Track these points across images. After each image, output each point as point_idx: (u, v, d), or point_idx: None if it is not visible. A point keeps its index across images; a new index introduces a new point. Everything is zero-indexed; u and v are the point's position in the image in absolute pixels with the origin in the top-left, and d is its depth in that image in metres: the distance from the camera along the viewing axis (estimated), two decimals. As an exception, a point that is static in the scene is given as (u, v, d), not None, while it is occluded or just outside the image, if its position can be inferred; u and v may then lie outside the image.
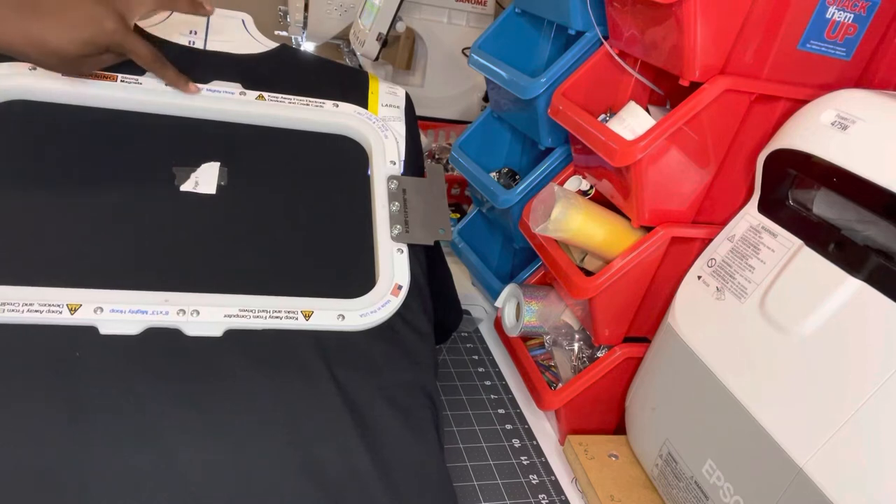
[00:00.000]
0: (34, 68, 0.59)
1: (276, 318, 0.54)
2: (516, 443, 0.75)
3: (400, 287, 0.60)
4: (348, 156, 0.67)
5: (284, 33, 1.64)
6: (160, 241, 0.56)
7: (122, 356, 0.49)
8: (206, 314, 0.53)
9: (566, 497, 0.68)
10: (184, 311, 0.52)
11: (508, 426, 0.77)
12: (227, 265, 0.57)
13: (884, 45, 0.60)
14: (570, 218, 0.67)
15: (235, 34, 0.69)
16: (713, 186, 0.64)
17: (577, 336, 0.78)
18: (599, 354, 0.74)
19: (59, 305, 0.50)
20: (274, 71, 0.68)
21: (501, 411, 0.79)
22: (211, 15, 0.63)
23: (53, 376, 0.47)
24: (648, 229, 0.65)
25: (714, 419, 0.57)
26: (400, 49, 1.92)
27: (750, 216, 0.61)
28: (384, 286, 0.59)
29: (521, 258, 0.92)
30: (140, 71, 0.63)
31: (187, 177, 0.60)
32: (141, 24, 0.66)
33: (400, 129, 0.69)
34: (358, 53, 1.29)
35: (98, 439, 0.46)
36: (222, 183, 0.61)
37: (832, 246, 0.51)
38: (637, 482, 0.69)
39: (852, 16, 0.57)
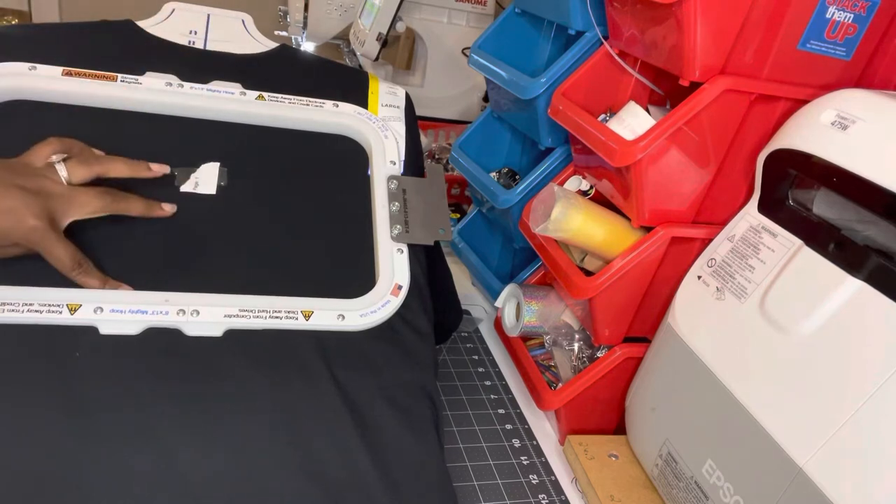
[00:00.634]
0: (34, 68, 0.59)
1: (276, 318, 0.54)
2: (516, 443, 0.75)
3: (400, 287, 0.60)
4: (348, 156, 0.67)
5: (284, 33, 1.65)
6: (160, 241, 0.56)
7: (122, 356, 0.49)
8: (206, 314, 0.53)
9: (566, 497, 0.68)
10: (184, 311, 0.52)
11: (508, 426, 0.77)
12: (227, 265, 0.57)
13: (884, 45, 0.60)
14: (570, 218, 0.67)
15: (235, 34, 0.69)
16: (713, 186, 0.64)
17: (577, 336, 0.78)
18: (599, 354, 0.74)
19: (59, 305, 0.49)
20: (274, 71, 0.68)
21: (501, 411, 0.79)
22: (168, 215, 0.57)
23: (53, 376, 0.47)
24: (648, 229, 0.65)
25: (714, 419, 0.57)
26: (400, 49, 1.92)
27: (750, 216, 0.61)
28: (384, 286, 0.59)
29: (521, 258, 0.92)
30: (140, 71, 0.63)
31: (187, 177, 0.60)
32: (141, 24, 0.66)
33: (400, 129, 0.69)
34: (358, 53, 1.29)
35: (98, 439, 0.46)
36: (222, 183, 0.61)
37: (832, 246, 0.51)
38: (637, 482, 0.69)
39: (852, 16, 0.57)
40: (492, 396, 0.81)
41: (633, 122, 0.64)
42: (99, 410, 0.47)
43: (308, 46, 1.59)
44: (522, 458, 0.73)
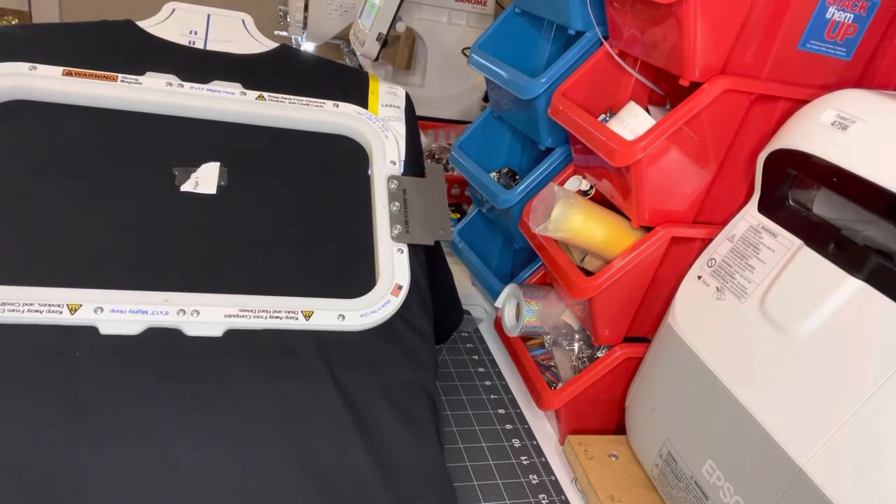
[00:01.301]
0: (34, 68, 0.59)
1: (276, 318, 0.54)
2: (516, 443, 0.75)
3: (400, 287, 0.60)
4: (348, 156, 0.67)
5: (284, 33, 1.65)
6: (160, 241, 0.56)
7: (122, 356, 0.49)
8: (206, 314, 0.53)
9: (566, 497, 0.68)
10: (184, 311, 0.52)
11: (508, 426, 0.77)
12: (227, 265, 0.57)
13: (884, 45, 0.60)
14: (570, 218, 0.67)
15: (235, 34, 0.70)
16: (713, 186, 0.64)
17: (577, 336, 0.78)
18: (599, 354, 0.74)
19: (59, 305, 0.50)
20: (274, 71, 0.68)
21: (501, 411, 0.79)
22: None
23: (53, 376, 0.47)
24: (648, 229, 0.65)
25: (714, 419, 0.57)
26: (400, 49, 1.92)
27: (750, 216, 0.61)
28: (384, 286, 0.59)
29: (521, 258, 0.92)
30: (140, 71, 0.63)
31: (187, 177, 0.60)
32: (140, 24, 0.66)
33: (400, 129, 0.70)
34: (358, 53, 1.29)
35: (98, 439, 0.46)
36: (222, 183, 0.61)
37: (832, 246, 0.51)
38: (637, 482, 0.69)
39: (852, 16, 0.57)
40: (492, 396, 0.81)
41: (633, 122, 0.64)
42: (99, 410, 0.47)
43: (308, 46, 1.59)
44: (522, 458, 0.73)
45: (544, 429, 0.78)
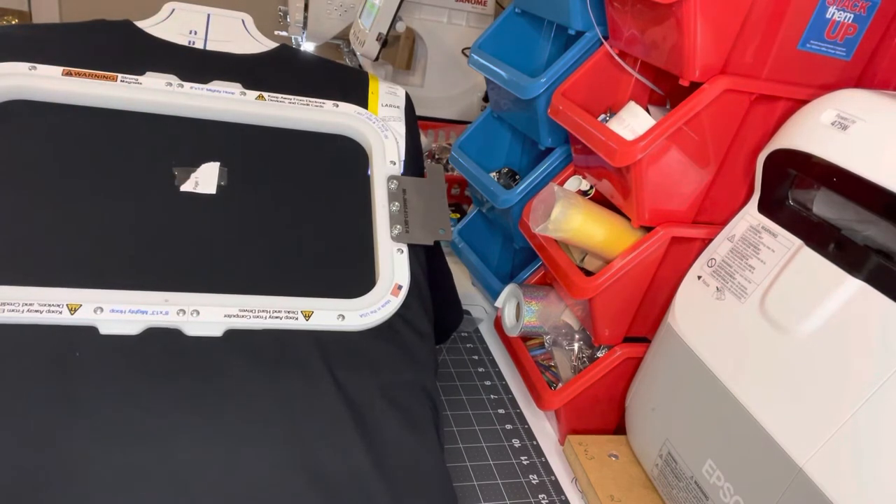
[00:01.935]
0: (34, 68, 0.59)
1: (276, 318, 0.54)
2: (516, 443, 0.75)
3: (400, 287, 0.60)
4: (348, 156, 0.67)
5: (284, 33, 1.65)
6: (160, 241, 0.56)
7: (122, 356, 0.49)
8: (206, 314, 0.53)
9: (566, 497, 0.68)
10: (184, 311, 0.52)
11: (508, 426, 0.77)
12: (227, 265, 0.57)
13: (884, 45, 0.60)
14: (570, 218, 0.67)
15: (235, 34, 0.70)
16: (713, 186, 0.64)
17: (577, 336, 0.78)
18: (599, 354, 0.74)
19: (59, 305, 0.50)
20: (274, 71, 0.68)
21: (501, 411, 0.79)
22: None
23: (53, 376, 0.47)
24: (648, 229, 0.65)
25: (714, 419, 0.57)
26: (400, 49, 1.92)
27: (750, 216, 0.61)
28: (384, 286, 0.59)
29: (521, 258, 0.92)
30: (140, 71, 0.63)
31: (187, 177, 0.60)
32: (140, 24, 0.66)
33: (400, 129, 0.69)
34: (358, 53, 1.29)
35: (98, 439, 0.46)
36: (222, 183, 0.61)
37: (832, 246, 0.51)
38: (637, 482, 0.69)
39: (852, 16, 0.57)
40: (492, 396, 0.81)
41: (633, 122, 0.64)
42: (99, 410, 0.47)
43: (308, 46, 1.59)
44: (522, 458, 0.73)
45: (544, 429, 0.78)
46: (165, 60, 0.64)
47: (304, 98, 0.67)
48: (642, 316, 0.70)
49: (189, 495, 0.46)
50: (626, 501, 0.66)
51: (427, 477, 0.53)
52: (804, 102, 0.57)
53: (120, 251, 0.55)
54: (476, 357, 0.89)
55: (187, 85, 0.63)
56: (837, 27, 0.57)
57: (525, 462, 0.72)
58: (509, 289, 0.83)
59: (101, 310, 0.50)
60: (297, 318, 0.55)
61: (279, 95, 0.66)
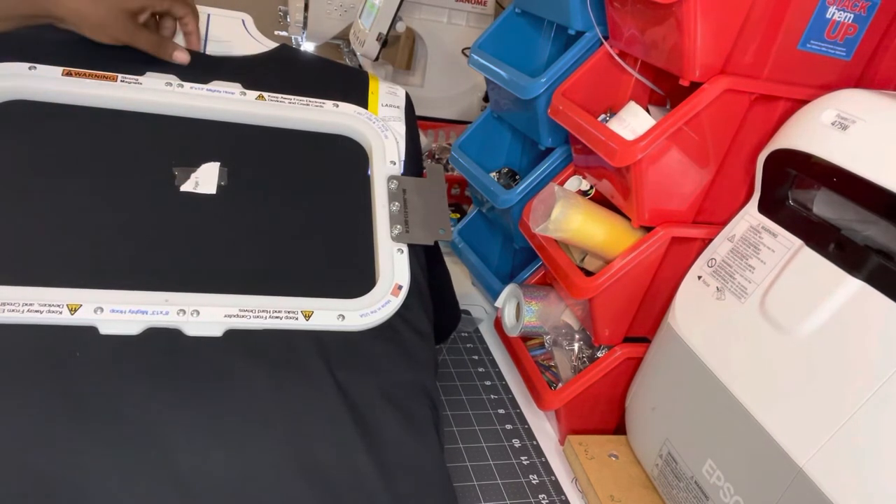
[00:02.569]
0: (34, 68, 0.59)
1: (276, 318, 0.54)
2: (516, 443, 0.75)
3: (400, 287, 0.60)
4: (348, 156, 0.67)
5: (284, 33, 1.65)
6: (160, 241, 0.56)
7: (122, 356, 0.49)
8: (206, 314, 0.53)
9: (566, 497, 0.68)
10: (184, 311, 0.52)
11: (508, 426, 0.77)
12: (227, 265, 0.57)
13: (884, 45, 0.60)
14: (570, 218, 0.67)
15: (235, 34, 0.69)
16: (713, 186, 0.64)
17: (577, 336, 0.78)
18: (599, 354, 0.74)
19: (59, 305, 0.49)
20: (274, 71, 0.68)
21: (501, 411, 0.79)
22: (181, 62, 0.65)
23: (53, 376, 0.47)
24: (648, 229, 0.65)
25: (714, 419, 0.57)
26: (400, 49, 1.92)
27: (750, 216, 0.61)
28: (384, 286, 0.59)
29: (521, 258, 0.92)
30: (140, 71, 0.63)
31: (187, 177, 0.60)
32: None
33: (400, 129, 0.69)
34: (358, 53, 1.29)
35: (98, 439, 0.46)
36: (222, 183, 0.61)
37: (832, 246, 0.51)
38: (637, 482, 0.69)
39: (852, 16, 0.57)
40: (492, 396, 0.81)
41: (633, 122, 0.64)
42: (99, 410, 0.47)
43: (308, 46, 1.59)
44: (522, 458, 0.73)
45: (544, 429, 0.78)
46: (165, 61, 0.64)
47: (305, 98, 0.67)
48: (642, 316, 0.70)
49: (189, 495, 0.46)
50: (626, 501, 0.66)
51: (427, 477, 0.53)
52: (804, 102, 0.57)
53: (120, 251, 0.55)
54: (476, 357, 0.89)
55: (187, 85, 0.63)
56: (837, 27, 0.57)
57: (525, 462, 0.72)
58: (509, 289, 0.83)
59: (101, 310, 0.50)
60: (297, 318, 0.55)
61: (279, 95, 0.66)
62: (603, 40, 0.70)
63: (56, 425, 0.45)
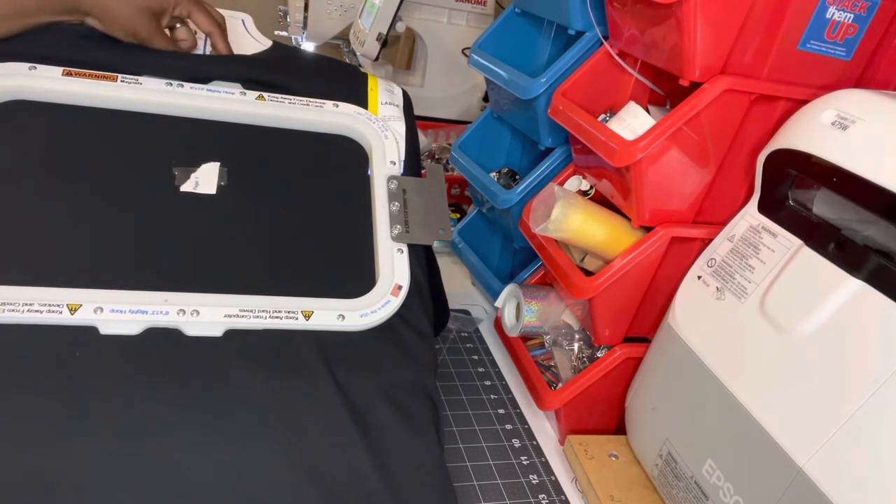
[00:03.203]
0: (34, 68, 0.59)
1: (276, 318, 0.54)
2: (516, 443, 0.75)
3: (400, 287, 0.60)
4: (348, 156, 0.67)
5: (284, 33, 1.65)
6: (160, 241, 0.56)
7: (122, 356, 0.49)
8: (206, 314, 0.53)
9: (566, 497, 0.68)
10: (184, 311, 0.52)
11: (508, 426, 0.77)
12: (227, 265, 0.57)
13: (884, 45, 0.60)
14: (570, 218, 0.67)
15: (235, 34, 0.70)
16: (713, 186, 0.64)
17: (577, 336, 0.78)
18: (599, 354, 0.74)
19: (59, 305, 0.49)
20: (274, 71, 0.68)
21: (501, 411, 0.79)
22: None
23: (53, 376, 0.47)
24: (648, 229, 0.65)
25: (714, 419, 0.57)
26: (400, 49, 1.92)
27: (750, 216, 0.61)
28: (384, 286, 0.59)
29: (521, 258, 0.92)
30: (140, 71, 0.63)
31: (187, 177, 0.60)
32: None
33: (400, 128, 0.69)
34: (358, 53, 1.29)
35: (98, 439, 0.46)
36: (222, 183, 0.61)
37: (832, 246, 0.51)
38: (637, 482, 0.69)
39: (852, 16, 0.57)
40: (492, 396, 0.81)
41: (633, 122, 0.64)
42: (99, 410, 0.47)
43: (308, 46, 1.59)
44: (522, 458, 0.73)
45: (544, 429, 0.78)
46: (166, 60, 0.64)
47: (304, 98, 0.67)
48: (642, 316, 0.70)
49: (189, 495, 0.46)
50: (626, 501, 0.66)
51: (427, 477, 0.53)
52: (804, 102, 0.57)
53: (120, 251, 0.55)
54: (476, 357, 0.89)
55: (187, 85, 0.63)
56: (837, 27, 0.57)
57: (525, 462, 0.72)
58: (509, 289, 0.83)
59: (101, 310, 0.50)
60: (297, 318, 0.55)
61: (279, 95, 0.66)
62: (603, 40, 0.70)
63: (56, 425, 0.46)
